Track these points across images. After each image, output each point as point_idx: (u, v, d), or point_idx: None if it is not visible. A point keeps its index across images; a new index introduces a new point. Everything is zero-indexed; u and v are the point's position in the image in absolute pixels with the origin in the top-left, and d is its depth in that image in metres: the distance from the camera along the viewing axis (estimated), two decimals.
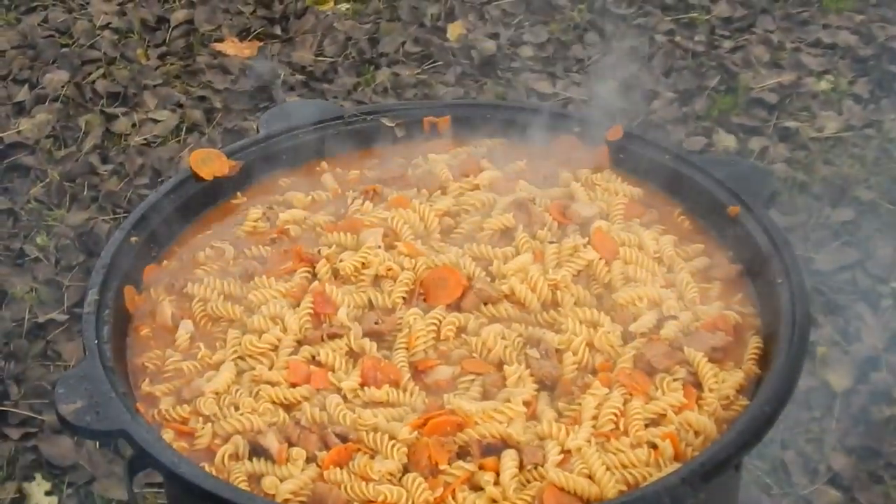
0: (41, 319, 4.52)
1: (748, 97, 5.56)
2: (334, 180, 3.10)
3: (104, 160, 5.30)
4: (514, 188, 2.97)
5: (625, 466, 2.33)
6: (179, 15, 6.25)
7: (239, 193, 3.06)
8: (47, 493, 3.96)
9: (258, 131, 3.16)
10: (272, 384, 2.51)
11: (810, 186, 5.00)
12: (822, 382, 4.14)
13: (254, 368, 2.56)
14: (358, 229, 2.86)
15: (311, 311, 2.65)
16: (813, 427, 4.04)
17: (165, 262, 2.89)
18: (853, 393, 4.14)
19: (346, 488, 2.30)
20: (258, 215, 2.97)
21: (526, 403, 2.45)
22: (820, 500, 3.84)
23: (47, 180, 5.17)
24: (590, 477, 2.30)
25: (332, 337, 2.61)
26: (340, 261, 2.76)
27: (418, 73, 5.83)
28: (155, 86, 5.77)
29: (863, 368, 4.21)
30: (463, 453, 2.37)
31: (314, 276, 2.77)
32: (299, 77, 5.82)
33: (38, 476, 3.99)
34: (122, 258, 2.76)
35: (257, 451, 2.39)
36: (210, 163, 3.01)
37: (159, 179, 5.12)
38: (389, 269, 2.73)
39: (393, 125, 3.20)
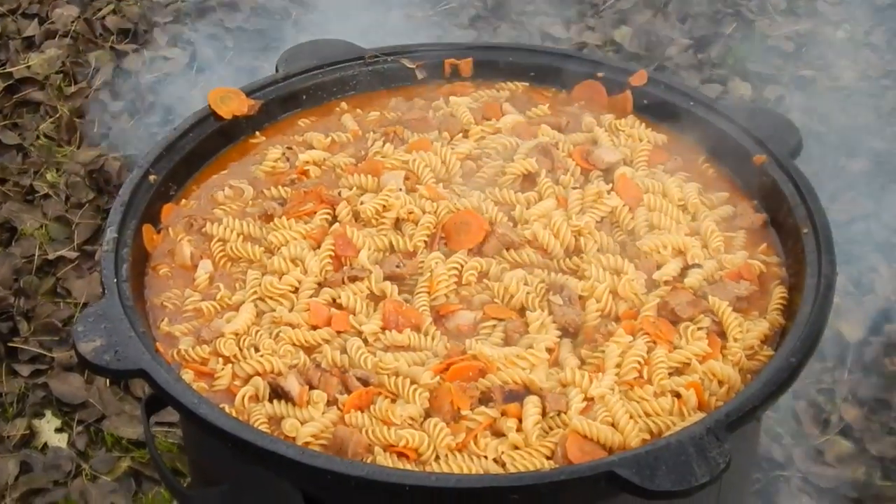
0: (51, 256, 4.50)
1: (764, 45, 5.51)
2: (354, 121, 3.06)
3: (114, 97, 5.26)
4: (536, 132, 2.93)
5: (648, 415, 2.32)
6: None
7: (258, 133, 3.03)
8: (57, 430, 3.96)
9: (277, 70, 3.11)
10: (293, 326, 2.49)
11: (826, 136, 4.96)
12: (835, 333, 4.12)
13: (274, 310, 2.54)
14: (379, 172, 2.83)
15: (332, 253, 2.62)
16: (825, 377, 4.03)
17: (184, 201, 2.86)
18: (866, 344, 4.12)
19: (367, 432, 2.28)
20: (277, 155, 2.94)
21: (548, 350, 2.43)
22: (831, 450, 3.84)
23: (57, 116, 5.13)
24: (613, 425, 2.29)
25: (353, 280, 2.58)
26: (361, 203, 2.73)
27: (431, 15, 5.77)
28: (165, 23, 5.71)
29: (876, 320, 4.19)
30: (485, 399, 2.35)
31: (334, 218, 2.74)
32: (311, 17, 5.75)
33: (48, 413, 3.99)
34: (140, 196, 2.73)
35: (277, 393, 2.37)
36: (229, 101, 2.98)
37: (169, 118, 5.08)
38: (411, 213, 2.71)
39: (414, 66, 3.16)
